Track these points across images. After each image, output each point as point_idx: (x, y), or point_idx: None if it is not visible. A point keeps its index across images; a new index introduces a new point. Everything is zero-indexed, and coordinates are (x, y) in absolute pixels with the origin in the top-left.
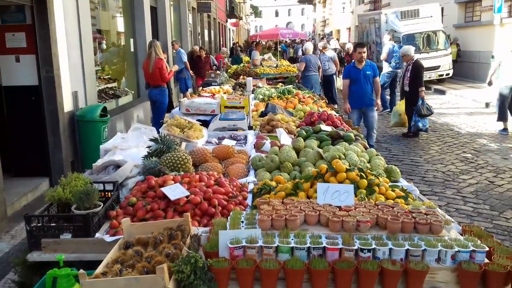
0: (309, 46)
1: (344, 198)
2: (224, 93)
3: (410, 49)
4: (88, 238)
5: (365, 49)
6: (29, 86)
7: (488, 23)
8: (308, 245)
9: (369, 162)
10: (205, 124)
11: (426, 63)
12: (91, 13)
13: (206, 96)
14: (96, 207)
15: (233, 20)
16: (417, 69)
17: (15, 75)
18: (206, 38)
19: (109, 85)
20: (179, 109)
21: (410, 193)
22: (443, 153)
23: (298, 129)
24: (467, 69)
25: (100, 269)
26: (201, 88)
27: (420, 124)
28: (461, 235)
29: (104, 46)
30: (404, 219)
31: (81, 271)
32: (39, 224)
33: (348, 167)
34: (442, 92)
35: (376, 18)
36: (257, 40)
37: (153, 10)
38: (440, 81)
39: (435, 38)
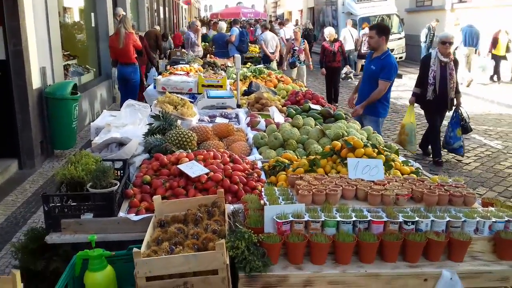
0: (222, 24)
1: (374, 172)
2: (196, 71)
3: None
4: (112, 218)
5: (372, 33)
6: None
7: (439, 8)
8: (353, 219)
9: (367, 139)
10: None
11: None
12: None
13: (181, 75)
14: (112, 185)
15: None
16: (457, 67)
17: None
18: (162, 16)
19: (69, 62)
20: (154, 87)
21: (419, 169)
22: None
23: (284, 107)
24: (417, 53)
25: (144, 248)
26: (169, 66)
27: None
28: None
29: (65, 20)
30: (440, 192)
31: (135, 249)
32: (58, 204)
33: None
34: (398, 76)
35: (333, 0)
36: (215, 20)
37: None
38: None
39: (389, 22)
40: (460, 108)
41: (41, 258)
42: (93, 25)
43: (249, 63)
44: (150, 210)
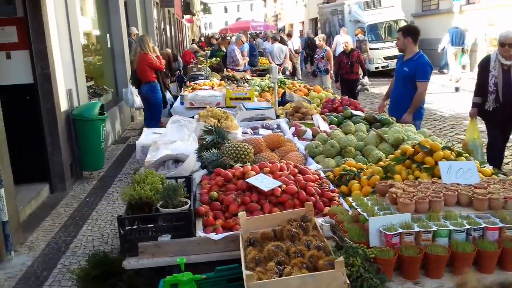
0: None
1: (468, 175)
2: (219, 85)
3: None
4: (192, 238)
5: (399, 34)
6: (23, 84)
7: (446, 11)
8: (467, 226)
9: None
10: None
11: (390, 52)
12: None
13: (206, 89)
14: (183, 204)
15: (188, 16)
16: None
17: (6, 73)
18: (168, 34)
19: (87, 84)
20: (181, 103)
21: (497, 170)
22: (438, 136)
23: (322, 115)
24: (428, 57)
25: (243, 269)
26: (188, 82)
27: None
28: None
29: (82, 42)
30: None
31: (248, 272)
32: (135, 227)
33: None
34: None
35: (339, 9)
36: (224, 35)
37: (124, 5)
38: None
39: (396, 27)
40: None
41: (105, 284)
42: (109, 46)
43: (268, 75)
44: (226, 228)
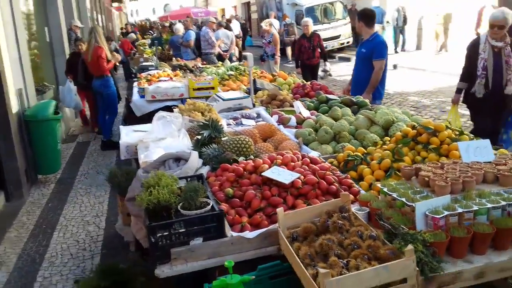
0: (178, 26)
1: (485, 153)
2: (175, 76)
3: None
4: (225, 239)
5: (356, 19)
6: None
7: None
8: (503, 203)
9: None
10: (171, 109)
11: (328, 33)
12: None
13: (165, 80)
14: (205, 204)
15: (116, 4)
16: None
17: None
18: (100, 24)
19: None
20: (142, 96)
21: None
22: None
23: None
24: None
25: (303, 266)
26: (139, 74)
27: None
28: None
29: None
30: None
31: (323, 270)
32: (165, 233)
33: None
34: (347, 59)
35: None
36: (165, 23)
37: None
38: (341, 49)
39: (332, 9)
40: None
41: None
42: (47, 40)
43: (221, 63)
44: (253, 224)
